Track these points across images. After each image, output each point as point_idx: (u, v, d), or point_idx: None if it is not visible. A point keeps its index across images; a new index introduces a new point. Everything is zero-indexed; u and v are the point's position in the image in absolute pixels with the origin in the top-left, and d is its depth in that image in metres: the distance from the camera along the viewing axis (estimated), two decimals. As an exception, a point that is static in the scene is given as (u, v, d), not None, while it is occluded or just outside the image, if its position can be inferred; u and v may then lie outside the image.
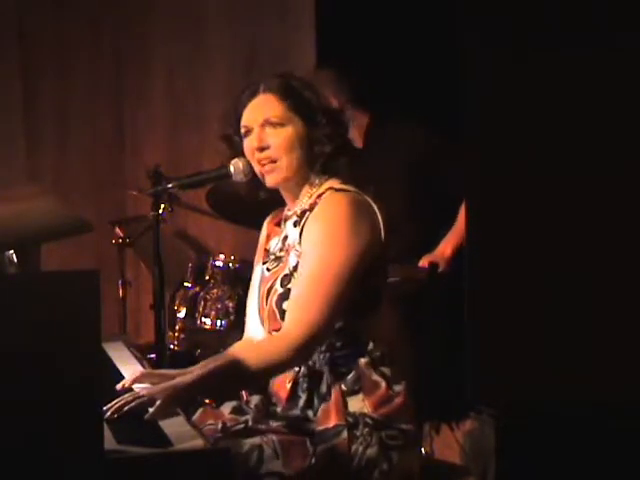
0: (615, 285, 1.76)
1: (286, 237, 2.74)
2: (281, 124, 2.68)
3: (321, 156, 2.68)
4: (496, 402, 1.89)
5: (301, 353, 2.55)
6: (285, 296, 2.64)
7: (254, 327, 2.82)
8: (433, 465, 3.04)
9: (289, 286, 2.63)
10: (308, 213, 2.66)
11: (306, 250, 2.61)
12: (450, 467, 3.08)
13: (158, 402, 2.42)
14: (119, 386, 2.61)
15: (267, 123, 2.69)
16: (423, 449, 3.64)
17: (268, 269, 2.76)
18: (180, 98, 5.36)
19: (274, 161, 2.69)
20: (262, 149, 2.69)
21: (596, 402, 1.81)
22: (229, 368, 2.57)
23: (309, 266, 2.59)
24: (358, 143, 4.12)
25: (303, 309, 2.56)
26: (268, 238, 2.86)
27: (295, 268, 2.63)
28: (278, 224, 2.83)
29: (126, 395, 2.47)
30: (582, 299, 1.77)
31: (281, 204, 2.87)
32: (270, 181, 2.71)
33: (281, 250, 2.74)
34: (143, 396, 2.45)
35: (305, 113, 2.68)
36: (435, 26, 4.24)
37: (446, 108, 3.33)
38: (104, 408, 2.37)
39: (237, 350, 2.73)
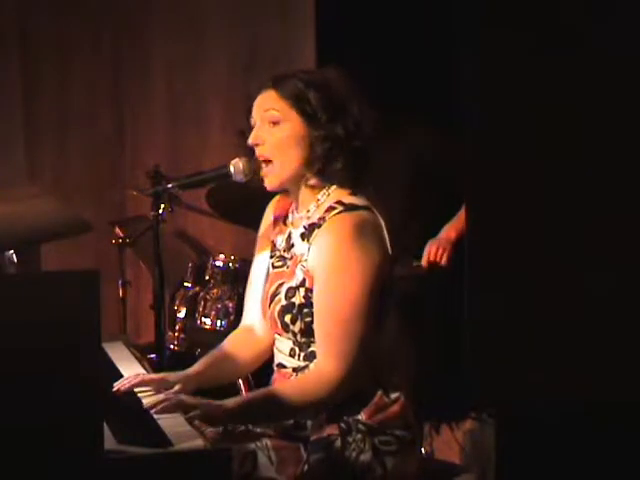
0: (614, 284, 1.76)
1: (292, 244, 2.69)
2: (277, 122, 2.62)
3: (323, 158, 2.61)
4: (495, 402, 1.89)
5: (340, 389, 2.54)
6: (288, 309, 2.61)
7: (253, 315, 2.83)
8: (433, 465, 3.04)
9: (293, 299, 2.61)
10: (317, 230, 2.60)
11: (319, 280, 2.57)
12: (450, 467, 3.08)
13: (195, 413, 2.45)
14: (115, 387, 2.61)
15: (266, 119, 2.64)
16: (423, 449, 3.64)
17: (274, 265, 2.73)
18: (180, 98, 5.36)
19: (269, 161, 2.65)
20: (256, 145, 2.66)
21: (596, 402, 1.81)
22: (270, 403, 2.55)
23: (327, 301, 2.55)
24: None
25: (333, 348, 2.53)
26: (273, 228, 2.81)
27: (302, 283, 2.60)
28: (284, 220, 2.78)
29: (169, 393, 2.52)
30: (581, 299, 1.77)
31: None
32: (267, 185, 2.68)
33: (285, 251, 2.71)
34: (180, 404, 2.48)
35: (307, 112, 2.61)
36: (436, 26, 4.24)
37: (449, 107, 3.33)
38: (145, 405, 2.45)
39: (276, 385, 2.68)
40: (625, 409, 1.82)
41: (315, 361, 2.59)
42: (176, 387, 2.63)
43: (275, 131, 2.64)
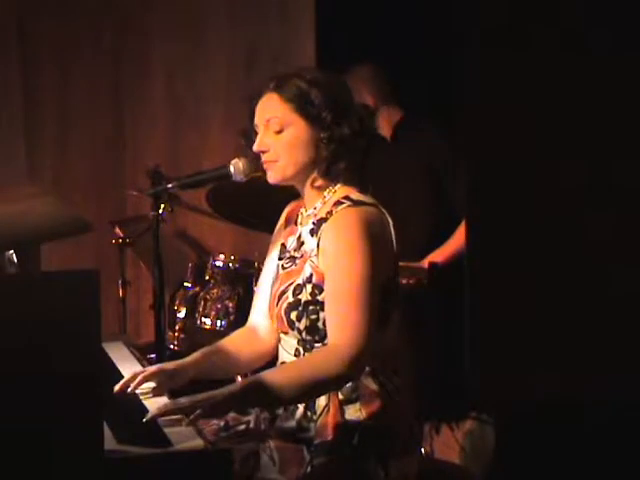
0: (614, 286, 1.76)
1: (302, 241, 2.69)
2: (280, 129, 2.60)
3: (330, 158, 2.60)
4: (495, 402, 1.89)
5: (355, 366, 2.48)
6: (294, 306, 2.60)
7: (257, 317, 2.83)
8: (433, 465, 3.04)
9: (300, 296, 2.59)
10: (324, 224, 2.59)
11: (328, 267, 2.55)
12: (450, 467, 3.08)
13: (199, 411, 2.38)
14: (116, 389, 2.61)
15: (270, 126, 2.62)
16: (423, 449, 3.64)
17: (283, 267, 2.72)
18: (180, 98, 5.36)
19: (274, 161, 2.63)
20: (263, 152, 2.64)
21: (595, 402, 1.81)
22: (280, 382, 2.47)
23: (335, 283, 2.53)
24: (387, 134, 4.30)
25: (344, 324, 2.49)
26: (285, 229, 2.81)
27: (309, 280, 2.59)
28: (295, 221, 2.77)
29: (169, 402, 2.44)
30: (581, 300, 1.77)
31: (282, 205, 2.87)
32: (270, 178, 2.66)
33: (295, 250, 2.70)
34: (184, 403, 2.41)
35: (310, 114, 2.58)
36: (436, 26, 4.25)
37: (448, 108, 3.34)
38: (153, 410, 2.38)
39: (287, 363, 2.64)
40: (625, 409, 1.82)
41: (328, 340, 2.55)
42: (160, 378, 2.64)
43: (280, 137, 2.61)
